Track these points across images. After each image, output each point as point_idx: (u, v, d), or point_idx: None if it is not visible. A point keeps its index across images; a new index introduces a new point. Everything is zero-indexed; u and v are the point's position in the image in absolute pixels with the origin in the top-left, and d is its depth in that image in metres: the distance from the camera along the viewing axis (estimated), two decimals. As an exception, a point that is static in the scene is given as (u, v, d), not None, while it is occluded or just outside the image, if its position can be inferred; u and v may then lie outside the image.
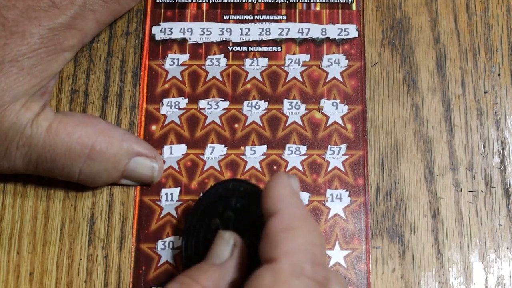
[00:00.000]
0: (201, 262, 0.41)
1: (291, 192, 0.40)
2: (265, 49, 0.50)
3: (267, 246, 0.38)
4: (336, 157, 0.48)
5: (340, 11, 0.51)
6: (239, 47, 0.50)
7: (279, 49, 0.50)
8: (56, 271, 0.46)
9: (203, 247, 0.43)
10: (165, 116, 0.49)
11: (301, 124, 0.49)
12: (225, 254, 0.41)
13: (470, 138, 0.49)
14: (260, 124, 0.49)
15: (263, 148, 0.48)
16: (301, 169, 0.48)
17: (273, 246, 0.38)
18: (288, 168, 0.48)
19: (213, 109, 0.49)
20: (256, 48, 0.50)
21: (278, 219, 0.39)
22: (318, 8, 0.51)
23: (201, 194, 0.46)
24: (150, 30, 0.50)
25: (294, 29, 0.50)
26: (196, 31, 0.50)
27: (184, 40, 0.50)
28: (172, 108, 0.49)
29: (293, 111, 0.49)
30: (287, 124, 0.49)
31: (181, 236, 0.47)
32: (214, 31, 0.50)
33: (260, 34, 0.50)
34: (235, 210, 0.44)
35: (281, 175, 0.41)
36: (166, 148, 0.48)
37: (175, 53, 0.50)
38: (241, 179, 0.46)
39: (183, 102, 0.49)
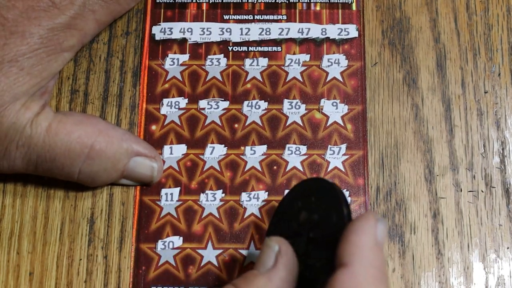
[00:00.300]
0: (247, 271, 0.40)
1: (372, 244, 0.37)
2: (265, 49, 0.50)
3: None
4: (336, 157, 0.48)
5: (340, 11, 0.51)
6: (239, 47, 0.50)
7: (279, 49, 0.50)
8: (56, 271, 0.46)
9: (286, 237, 0.41)
10: (165, 116, 0.49)
11: (301, 124, 0.49)
12: (269, 263, 0.39)
13: (470, 138, 0.49)
14: (260, 124, 0.49)
15: (263, 148, 0.48)
16: (301, 169, 0.48)
17: None
18: (288, 168, 0.48)
19: (213, 109, 0.49)
20: (256, 48, 0.50)
21: (348, 275, 0.36)
22: (318, 8, 0.51)
23: (303, 180, 0.43)
24: (150, 30, 0.50)
25: (294, 29, 0.50)
26: (196, 31, 0.50)
27: (184, 40, 0.50)
28: (172, 108, 0.49)
29: (293, 111, 0.49)
30: (287, 124, 0.49)
31: (180, 235, 0.47)
32: (214, 31, 0.50)
33: (260, 34, 0.50)
34: (320, 216, 0.40)
35: (369, 217, 0.37)
36: (166, 148, 0.48)
37: (175, 53, 0.50)
38: (341, 191, 0.41)
39: (183, 102, 0.49)
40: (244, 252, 0.47)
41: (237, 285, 0.39)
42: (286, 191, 0.45)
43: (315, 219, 0.40)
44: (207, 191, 0.48)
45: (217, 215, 0.47)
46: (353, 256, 0.36)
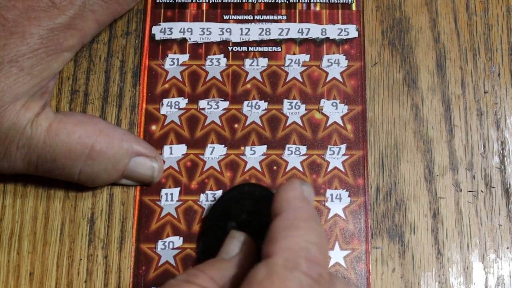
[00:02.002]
0: (212, 259, 0.42)
1: (300, 196, 0.41)
2: (265, 49, 0.50)
3: (266, 243, 0.39)
4: (336, 157, 0.48)
5: (340, 11, 0.51)
6: (239, 47, 0.50)
7: (279, 49, 0.50)
8: (56, 271, 0.46)
9: (219, 249, 0.44)
10: (165, 116, 0.49)
11: (301, 124, 0.49)
12: (233, 251, 0.42)
13: (470, 138, 0.49)
14: (260, 124, 0.49)
15: (263, 148, 0.48)
16: (301, 169, 0.48)
17: (272, 243, 0.38)
18: (288, 168, 0.48)
19: (213, 109, 0.49)
20: (256, 48, 0.50)
21: (281, 218, 0.39)
22: (318, 8, 0.51)
23: (218, 197, 0.47)
24: (150, 30, 0.50)
25: (294, 29, 0.50)
26: (196, 31, 0.50)
27: (184, 40, 0.50)
28: (172, 108, 0.49)
29: (293, 111, 0.49)
30: (287, 124, 0.49)
31: (180, 235, 0.47)
32: (214, 31, 0.50)
33: (260, 34, 0.50)
34: (249, 213, 0.45)
35: (294, 181, 0.41)
36: (166, 148, 0.48)
37: (175, 53, 0.50)
38: (256, 183, 0.47)
39: (183, 102, 0.49)
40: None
41: (202, 268, 0.40)
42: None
43: (244, 219, 0.45)
44: (207, 191, 0.48)
45: (217, 215, 0.47)
46: (283, 206, 0.40)
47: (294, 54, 0.50)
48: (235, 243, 0.42)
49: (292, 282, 0.36)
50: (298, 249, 0.38)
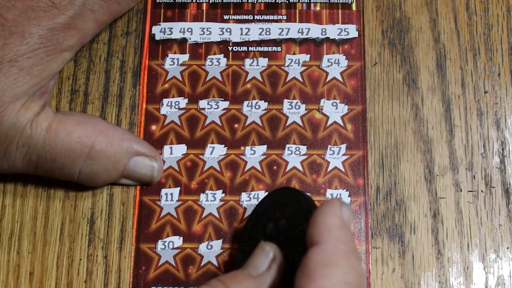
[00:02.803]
0: (237, 270, 0.41)
1: (339, 223, 0.38)
2: (265, 49, 0.50)
3: (302, 277, 0.37)
4: (336, 157, 0.48)
5: (340, 11, 0.51)
6: (239, 47, 0.50)
7: (279, 49, 0.50)
8: (56, 271, 0.46)
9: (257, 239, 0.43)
10: (165, 116, 0.49)
11: (301, 124, 0.49)
12: (262, 267, 0.41)
13: (470, 138, 0.49)
14: (260, 124, 0.49)
15: (263, 148, 0.48)
16: (301, 169, 0.48)
17: (309, 280, 0.37)
18: (288, 168, 0.48)
19: (213, 109, 0.49)
20: (256, 48, 0.50)
21: (319, 252, 0.38)
22: (318, 8, 0.51)
23: (263, 197, 0.46)
24: (150, 30, 0.50)
25: (294, 29, 0.50)
26: (196, 31, 0.50)
27: (184, 40, 0.50)
28: (172, 108, 0.49)
29: (293, 111, 0.49)
30: (287, 124, 0.49)
31: (180, 235, 0.47)
32: (214, 31, 0.51)
33: (260, 34, 0.50)
34: (289, 220, 0.43)
35: (334, 202, 0.39)
36: (166, 148, 0.48)
37: (175, 53, 0.50)
38: (303, 192, 0.44)
39: (183, 102, 0.49)
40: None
41: (225, 283, 0.39)
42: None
43: (283, 225, 0.43)
44: (207, 191, 0.48)
45: (217, 215, 0.47)
46: (322, 235, 0.38)
47: (294, 54, 0.50)
48: (263, 258, 0.41)
49: None
50: None
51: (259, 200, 0.46)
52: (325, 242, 0.38)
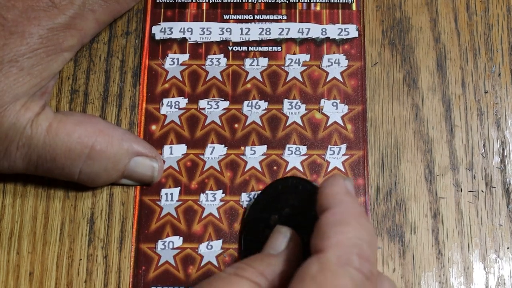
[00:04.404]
0: (257, 254, 0.42)
1: (345, 191, 0.41)
2: (265, 49, 0.50)
3: (317, 238, 0.39)
4: (336, 157, 0.48)
5: (340, 11, 0.51)
6: (239, 47, 0.50)
7: (279, 49, 0.50)
8: (56, 271, 0.46)
9: (261, 243, 0.44)
10: (165, 116, 0.49)
11: (301, 124, 0.49)
12: (281, 246, 0.42)
13: (471, 138, 0.49)
14: (260, 124, 0.49)
15: (263, 148, 0.48)
16: (301, 169, 0.48)
17: (323, 238, 0.38)
18: (288, 168, 0.48)
19: (213, 109, 0.49)
20: (256, 48, 0.50)
21: (330, 213, 0.39)
22: (318, 8, 0.51)
23: (261, 190, 0.46)
24: (150, 30, 0.50)
25: (294, 29, 0.50)
26: (196, 31, 0.50)
27: (184, 40, 0.50)
28: (172, 108, 0.49)
29: (293, 111, 0.49)
30: (287, 124, 0.49)
31: (180, 235, 0.47)
32: (214, 31, 0.50)
33: (260, 34, 0.50)
34: (293, 207, 0.44)
35: (337, 176, 0.42)
36: (166, 148, 0.48)
37: (175, 53, 0.50)
38: (300, 177, 0.46)
39: (183, 102, 0.49)
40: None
41: (250, 263, 0.40)
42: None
43: (288, 212, 0.44)
44: (207, 191, 0.48)
45: (217, 215, 0.47)
46: (331, 202, 0.40)
47: (294, 54, 0.50)
48: (281, 239, 0.42)
49: (345, 278, 0.37)
50: (350, 245, 0.38)
51: (254, 198, 0.47)
52: (335, 206, 0.40)
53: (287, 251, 0.42)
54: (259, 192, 0.47)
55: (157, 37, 0.50)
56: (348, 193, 0.41)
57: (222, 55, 0.50)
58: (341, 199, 0.40)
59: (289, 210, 0.44)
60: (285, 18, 0.51)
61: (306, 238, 0.41)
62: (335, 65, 0.50)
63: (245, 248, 0.45)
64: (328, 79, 0.50)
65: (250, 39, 0.50)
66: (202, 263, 0.46)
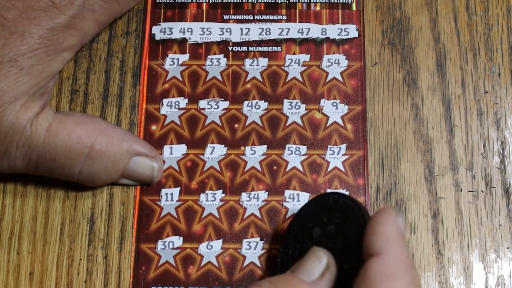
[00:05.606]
0: (288, 273, 0.40)
1: (398, 234, 0.38)
2: (265, 49, 0.50)
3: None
4: (336, 157, 0.48)
5: (340, 11, 0.51)
6: (239, 47, 0.50)
7: (279, 49, 0.50)
8: (56, 271, 0.46)
9: (300, 254, 0.42)
10: (165, 116, 0.49)
11: (301, 124, 0.49)
12: (315, 273, 0.40)
13: (470, 138, 0.49)
14: (260, 124, 0.49)
15: (263, 148, 0.48)
16: (301, 169, 0.48)
17: None
18: (288, 168, 0.48)
19: (213, 109, 0.49)
20: (256, 48, 0.50)
21: (381, 263, 0.37)
22: (318, 8, 0.51)
23: (314, 197, 0.45)
24: (150, 30, 0.50)
25: (294, 29, 0.50)
26: (196, 31, 0.50)
27: (184, 40, 0.50)
28: (172, 108, 0.49)
29: (293, 111, 0.49)
30: (287, 124, 0.49)
31: (180, 235, 0.47)
32: (214, 31, 0.50)
33: (260, 34, 0.50)
34: (337, 226, 0.42)
35: (390, 211, 0.39)
36: (166, 148, 0.48)
37: (175, 53, 0.50)
38: (353, 198, 0.42)
39: (183, 102, 0.49)
40: (244, 252, 0.47)
41: (277, 286, 0.39)
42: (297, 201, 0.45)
43: (331, 231, 0.42)
44: (207, 191, 0.48)
45: (217, 215, 0.47)
46: (383, 246, 0.38)
47: (294, 54, 0.50)
48: (317, 265, 0.40)
49: None
50: None
51: (304, 202, 0.46)
52: (386, 254, 0.37)
53: (322, 281, 0.40)
54: (314, 196, 0.46)
55: (157, 37, 0.50)
56: (400, 236, 0.38)
57: (222, 55, 0.50)
58: (393, 245, 0.38)
59: (333, 228, 0.42)
60: (285, 18, 0.51)
61: (342, 264, 0.40)
62: (335, 65, 0.50)
63: (282, 258, 0.44)
64: (328, 79, 0.50)
65: (250, 39, 0.50)
66: (202, 263, 0.46)
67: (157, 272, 0.46)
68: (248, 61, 0.50)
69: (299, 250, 0.43)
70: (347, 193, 0.47)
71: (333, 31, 0.50)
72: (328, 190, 0.47)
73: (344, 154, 0.48)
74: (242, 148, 0.48)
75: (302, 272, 0.40)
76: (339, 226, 0.42)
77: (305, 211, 0.44)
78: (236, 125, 0.49)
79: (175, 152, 0.48)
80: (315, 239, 0.42)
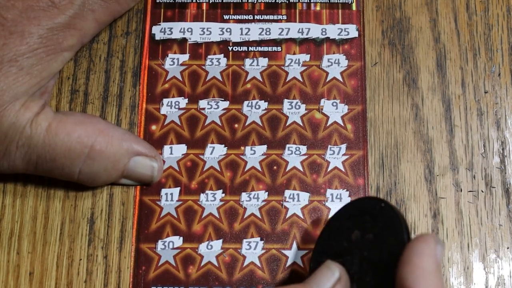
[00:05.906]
0: (300, 284, 0.40)
1: (435, 268, 0.37)
2: (265, 49, 0.50)
3: None
4: (336, 157, 0.48)
5: (340, 11, 0.51)
6: (239, 47, 0.50)
7: (279, 49, 0.50)
8: (56, 271, 0.46)
9: (336, 255, 0.42)
10: (165, 116, 0.49)
11: (301, 124, 0.49)
12: (325, 285, 0.40)
13: (470, 138, 0.49)
14: (260, 124, 0.49)
15: (263, 148, 0.48)
16: (301, 169, 0.48)
17: None
18: (288, 168, 0.48)
19: (213, 109, 0.49)
20: (256, 48, 0.50)
21: None
22: (318, 8, 0.51)
23: (355, 199, 0.44)
24: (150, 30, 0.50)
25: (294, 29, 0.50)
26: (196, 31, 0.50)
27: (184, 40, 0.50)
28: (172, 108, 0.49)
29: (293, 111, 0.49)
30: (287, 124, 0.49)
31: (180, 235, 0.47)
32: (214, 31, 0.50)
33: (260, 34, 0.50)
34: (377, 236, 0.41)
35: (430, 240, 0.38)
36: (166, 148, 0.48)
37: (175, 53, 0.50)
38: (396, 208, 0.41)
39: (183, 102, 0.49)
40: (244, 252, 0.47)
41: None
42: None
43: (370, 239, 0.41)
44: (207, 191, 0.48)
45: (217, 215, 0.47)
46: (418, 281, 0.36)
47: (294, 54, 0.50)
48: (329, 276, 0.40)
49: None
50: None
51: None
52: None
53: None
54: (358, 198, 0.45)
55: (157, 37, 0.50)
56: (437, 270, 0.37)
57: (222, 55, 0.50)
58: (428, 281, 0.36)
59: (372, 236, 0.41)
60: (285, 18, 0.51)
61: (365, 274, 0.40)
62: (335, 65, 0.50)
63: (317, 247, 0.43)
64: (328, 79, 0.50)
65: (250, 39, 0.50)
66: (202, 263, 0.46)
67: (157, 272, 0.46)
68: (248, 61, 0.50)
69: (336, 248, 0.42)
70: (347, 193, 0.47)
71: (333, 31, 0.50)
72: (328, 190, 0.47)
73: (344, 154, 0.48)
74: (242, 148, 0.48)
75: (312, 284, 0.40)
76: (378, 237, 0.40)
77: (349, 210, 0.43)
78: (236, 125, 0.49)
79: (175, 152, 0.48)
80: (353, 241, 0.41)
